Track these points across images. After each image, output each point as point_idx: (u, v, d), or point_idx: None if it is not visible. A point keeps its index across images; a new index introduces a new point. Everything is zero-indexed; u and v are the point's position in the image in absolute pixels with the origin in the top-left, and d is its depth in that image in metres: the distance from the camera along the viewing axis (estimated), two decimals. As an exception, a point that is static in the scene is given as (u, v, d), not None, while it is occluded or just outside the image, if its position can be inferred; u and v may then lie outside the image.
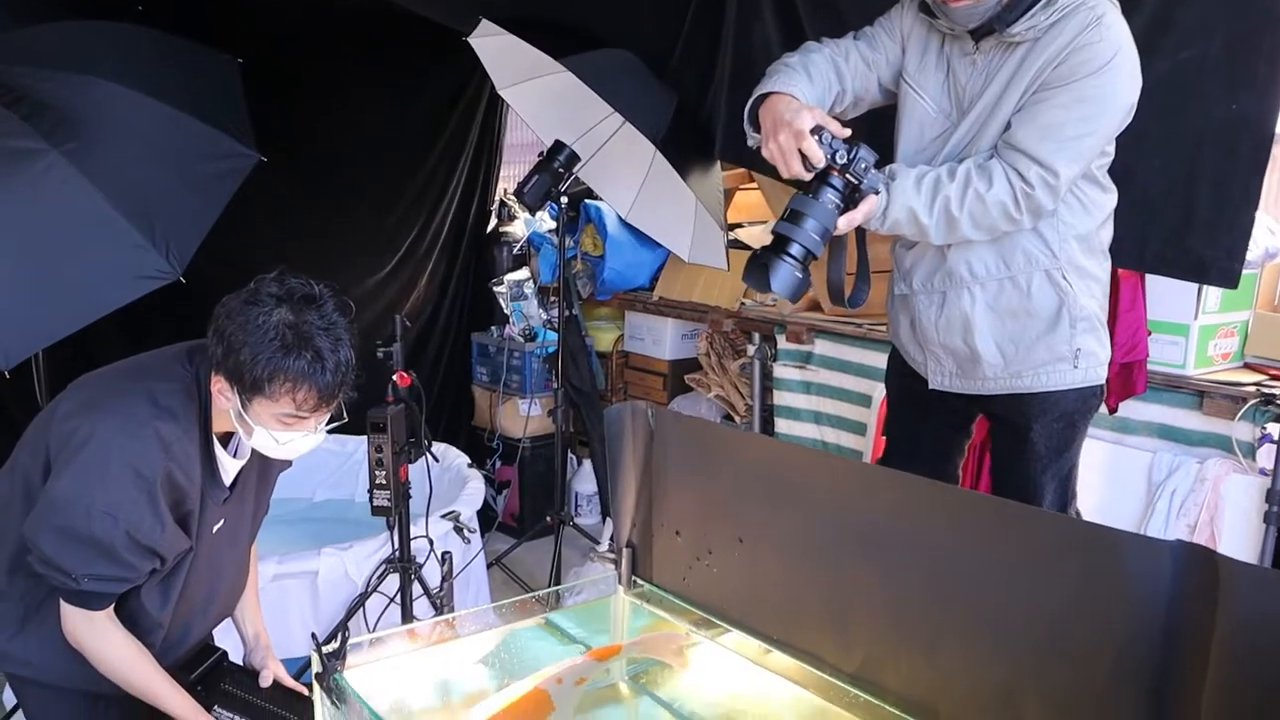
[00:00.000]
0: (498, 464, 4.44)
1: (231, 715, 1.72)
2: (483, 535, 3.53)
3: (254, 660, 1.85)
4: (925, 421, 2.22)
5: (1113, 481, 2.70)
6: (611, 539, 1.78)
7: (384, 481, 2.45)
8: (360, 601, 2.67)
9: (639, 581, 1.77)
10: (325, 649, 1.46)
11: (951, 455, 2.24)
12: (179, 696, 1.64)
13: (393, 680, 1.56)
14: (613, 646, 1.64)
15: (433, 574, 2.90)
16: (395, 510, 2.49)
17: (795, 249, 1.77)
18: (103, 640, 1.57)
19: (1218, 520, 2.49)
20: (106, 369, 1.67)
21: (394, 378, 2.50)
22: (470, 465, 3.60)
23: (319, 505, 3.89)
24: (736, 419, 3.88)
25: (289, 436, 1.58)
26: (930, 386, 2.09)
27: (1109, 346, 2.05)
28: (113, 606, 1.58)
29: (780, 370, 3.50)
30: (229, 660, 1.87)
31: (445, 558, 2.73)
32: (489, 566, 3.69)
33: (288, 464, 1.85)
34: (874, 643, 1.36)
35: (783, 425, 3.53)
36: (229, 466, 1.68)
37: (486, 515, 4.34)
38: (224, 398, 1.55)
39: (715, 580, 1.61)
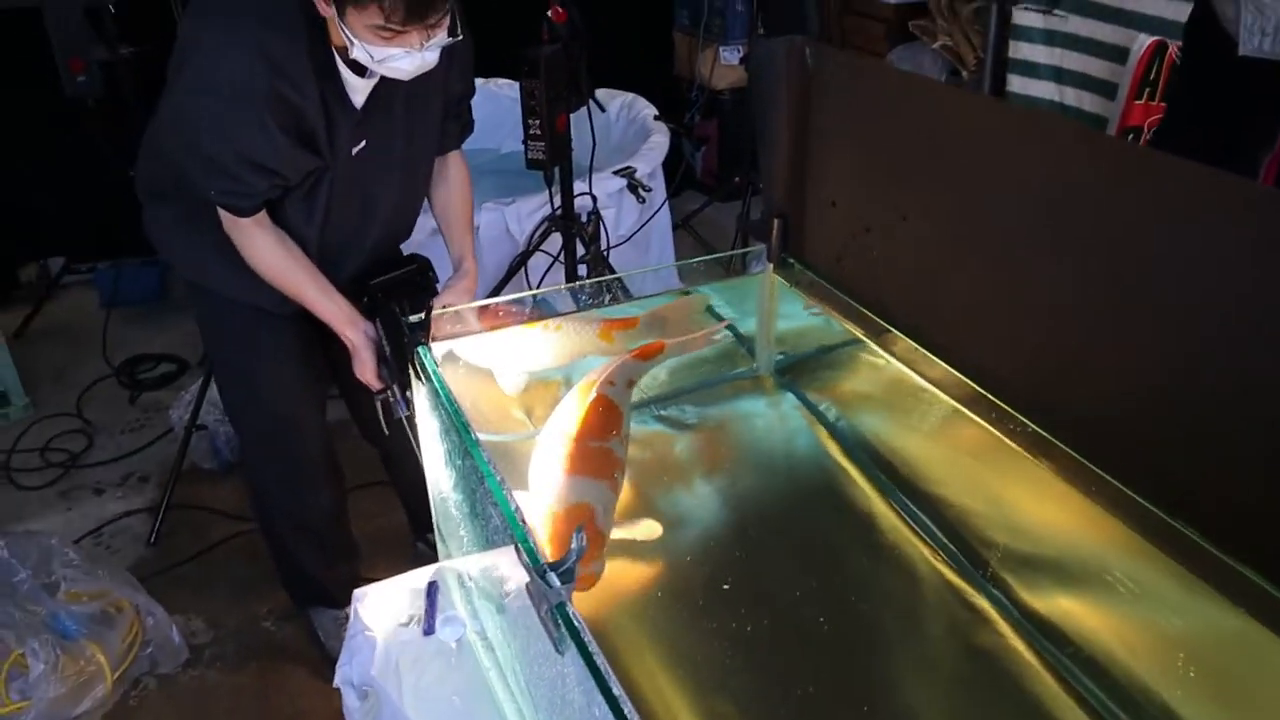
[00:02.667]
0: (696, 118, 4.12)
1: (379, 337, 1.64)
2: (678, 193, 3.30)
3: (449, 286, 1.75)
4: (1224, 95, 1.70)
5: None
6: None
7: (538, 132, 2.22)
8: (521, 260, 2.55)
9: (790, 261, 1.50)
10: (411, 319, 1.32)
11: (1249, 144, 1.73)
12: (331, 305, 1.62)
13: (484, 355, 1.41)
14: (655, 344, 1.44)
15: (609, 228, 2.74)
16: (551, 164, 2.27)
17: None
18: (249, 242, 1.57)
19: None
20: None
21: (548, 13, 2.18)
22: (657, 118, 3.30)
23: (506, 157, 3.74)
24: (965, 74, 3.34)
25: (386, 52, 1.40)
26: (1240, 52, 1.56)
27: None
28: (265, 213, 1.56)
29: (1021, 15, 2.89)
30: (425, 276, 1.76)
31: (592, 218, 2.52)
32: (676, 227, 3.50)
33: (454, 86, 1.73)
34: (1056, 362, 1.06)
35: (1016, 83, 2.97)
36: (356, 85, 1.54)
37: (685, 173, 4.10)
38: (323, 5, 1.39)
39: (872, 265, 1.32)
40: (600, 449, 1.26)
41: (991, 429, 1.13)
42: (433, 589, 1.49)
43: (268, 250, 1.58)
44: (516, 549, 0.86)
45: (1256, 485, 0.86)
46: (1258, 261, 0.82)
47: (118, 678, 1.95)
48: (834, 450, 1.46)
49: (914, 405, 1.34)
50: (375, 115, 1.59)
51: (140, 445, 2.78)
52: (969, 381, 1.17)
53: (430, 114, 1.69)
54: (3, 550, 1.95)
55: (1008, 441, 1.11)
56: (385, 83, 1.54)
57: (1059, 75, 2.86)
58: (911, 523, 1.29)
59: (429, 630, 1.44)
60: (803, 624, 1.15)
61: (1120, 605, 1.02)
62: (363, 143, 1.60)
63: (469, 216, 1.84)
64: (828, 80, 1.28)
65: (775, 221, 1.48)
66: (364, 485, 2.39)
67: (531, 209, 2.59)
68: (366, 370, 1.65)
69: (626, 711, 0.74)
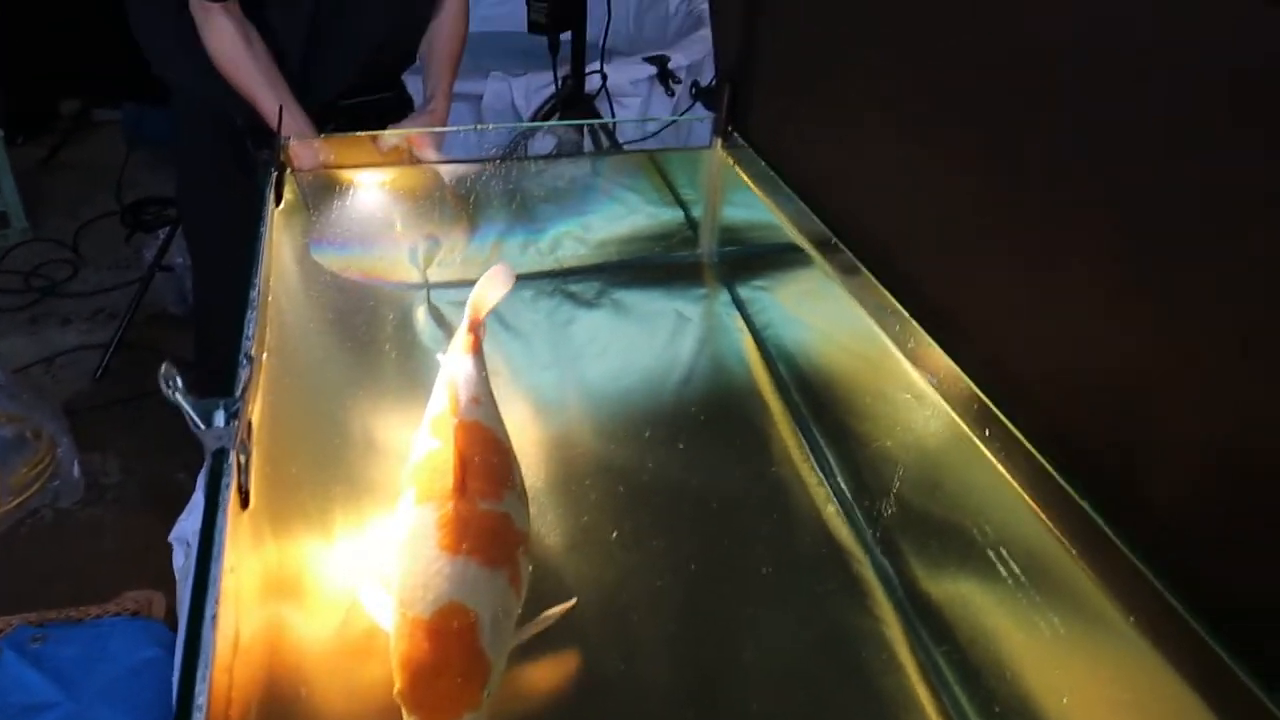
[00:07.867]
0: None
1: None
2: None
3: (411, 117, 1.62)
4: None
5: None
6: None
7: (542, -12, 2.00)
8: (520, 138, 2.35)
9: (735, 136, 1.27)
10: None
11: None
12: (286, 117, 1.45)
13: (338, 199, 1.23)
14: (475, 340, 1.03)
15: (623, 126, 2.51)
16: (554, 29, 2.05)
17: None
18: (210, 23, 1.44)
19: None
20: None
21: None
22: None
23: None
24: None
25: None
26: None
27: None
28: (236, 4, 1.44)
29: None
30: (396, 106, 1.66)
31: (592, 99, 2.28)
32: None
33: None
34: (1005, 291, 0.82)
35: None
36: None
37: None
38: None
39: (809, 149, 1.08)
40: (490, 513, 0.80)
41: (910, 368, 0.90)
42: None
43: (228, 39, 1.44)
44: (162, 375, 0.68)
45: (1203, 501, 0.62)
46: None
47: (18, 504, 1.88)
48: (754, 361, 1.24)
49: (849, 329, 1.11)
50: None
51: (118, 283, 2.70)
52: (900, 309, 0.93)
53: None
54: (-78, 359, 1.87)
55: (926, 387, 0.88)
56: None
57: None
58: (811, 456, 1.08)
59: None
60: (667, 555, 0.94)
61: (1013, 604, 0.79)
62: None
63: (453, 55, 1.67)
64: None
65: (725, 87, 1.25)
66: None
67: (542, 84, 2.37)
68: None
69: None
